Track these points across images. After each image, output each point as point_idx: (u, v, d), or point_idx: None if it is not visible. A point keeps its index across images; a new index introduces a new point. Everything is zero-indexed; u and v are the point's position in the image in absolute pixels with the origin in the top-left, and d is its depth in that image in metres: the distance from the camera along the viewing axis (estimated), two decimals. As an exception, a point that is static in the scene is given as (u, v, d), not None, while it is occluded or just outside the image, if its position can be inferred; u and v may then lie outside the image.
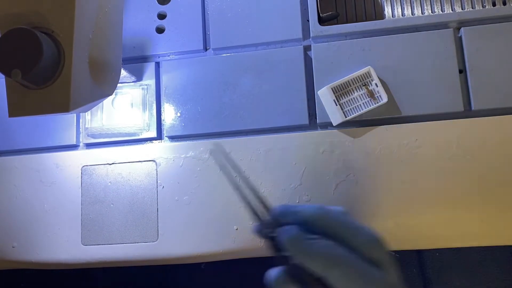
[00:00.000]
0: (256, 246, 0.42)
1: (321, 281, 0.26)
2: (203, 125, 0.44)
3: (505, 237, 0.39)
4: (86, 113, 0.46)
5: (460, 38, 0.42)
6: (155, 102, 0.45)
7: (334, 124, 0.42)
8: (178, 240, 0.43)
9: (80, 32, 0.34)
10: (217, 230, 0.42)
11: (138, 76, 0.46)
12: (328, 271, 0.26)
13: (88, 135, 0.46)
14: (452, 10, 0.45)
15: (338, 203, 0.41)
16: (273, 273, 0.28)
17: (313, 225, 0.28)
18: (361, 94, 0.41)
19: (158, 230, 0.43)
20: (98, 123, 0.46)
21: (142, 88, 0.46)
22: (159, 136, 0.46)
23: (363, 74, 0.41)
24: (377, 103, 0.41)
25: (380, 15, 0.46)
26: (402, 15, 0.46)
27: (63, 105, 0.33)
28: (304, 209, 0.29)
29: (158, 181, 0.44)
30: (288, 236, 0.27)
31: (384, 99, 0.40)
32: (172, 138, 0.45)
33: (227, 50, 0.46)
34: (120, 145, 0.46)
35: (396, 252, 0.60)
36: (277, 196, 0.42)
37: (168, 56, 0.47)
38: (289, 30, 0.45)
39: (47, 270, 0.50)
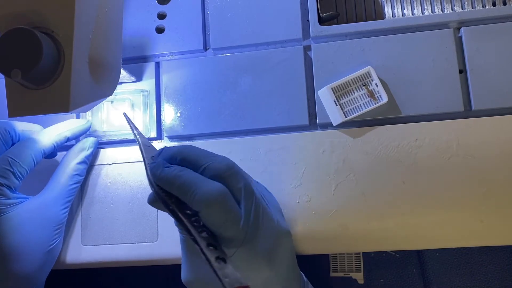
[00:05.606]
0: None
1: (178, 199, 0.31)
2: (203, 125, 0.44)
3: (505, 237, 0.39)
4: (87, 119, 0.46)
5: (460, 38, 0.42)
6: (155, 102, 0.45)
7: (334, 124, 0.42)
8: (178, 240, 0.43)
9: (80, 32, 0.34)
10: (217, 230, 0.42)
11: (138, 76, 0.46)
12: (174, 190, 0.31)
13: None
14: (452, 10, 0.45)
15: (338, 203, 0.41)
16: (149, 196, 0.34)
17: (177, 159, 0.33)
18: (361, 94, 0.41)
19: (158, 230, 0.43)
20: (98, 128, 0.46)
21: (143, 95, 0.46)
22: (159, 136, 0.46)
23: (363, 74, 0.41)
24: (377, 103, 0.41)
25: (380, 15, 0.46)
26: (402, 15, 0.46)
27: (63, 105, 0.33)
28: (171, 147, 0.34)
29: (158, 181, 0.44)
30: (151, 167, 0.33)
31: (384, 99, 0.40)
32: (172, 138, 0.45)
33: (227, 50, 0.46)
34: (120, 145, 0.46)
35: (396, 252, 0.60)
36: (277, 196, 0.42)
37: (168, 56, 0.47)
38: (289, 30, 0.45)
39: (47, 270, 0.50)
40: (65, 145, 0.44)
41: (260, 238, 0.32)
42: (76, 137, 0.44)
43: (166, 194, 0.32)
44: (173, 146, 0.35)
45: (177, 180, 0.31)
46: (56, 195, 0.41)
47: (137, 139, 0.38)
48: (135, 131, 0.39)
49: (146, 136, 0.45)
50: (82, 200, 0.45)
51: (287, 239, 0.35)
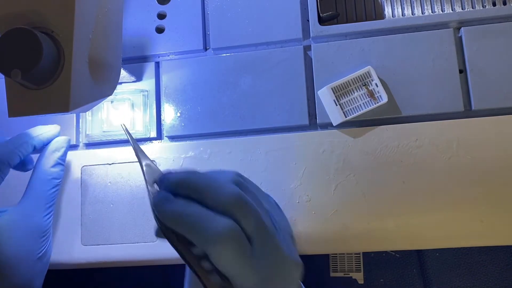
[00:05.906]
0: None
1: (183, 237, 0.28)
2: (203, 125, 0.44)
3: (505, 237, 0.39)
4: (87, 118, 0.46)
5: (460, 38, 0.42)
6: (155, 102, 0.45)
7: (334, 124, 0.42)
8: (178, 240, 0.43)
9: (80, 32, 0.34)
10: (217, 230, 0.42)
11: (138, 76, 0.46)
12: (180, 229, 0.28)
13: (88, 141, 0.46)
14: (452, 10, 0.45)
15: (338, 203, 0.41)
16: (155, 228, 0.31)
17: (181, 188, 0.29)
18: (361, 94, 0.41)
19: (158, 230, 0.43)
20: (98, 129, 0.46)
21: (143, 95, 0.46)
22: (159, 136, 0.46)
23: (363, 74, 0.41)
24: (377, 103, 0.41)
25: (380, 15, 0.46)
26: (402, 15, 0.46)
27: (63, 105, 0.33)
28: (174, 175, 0.31)
29: (158, 181, 0.44)
30: (154, 202, 0.29)
31: (384, 99, 0.40)
32: (172, 138, 0.45)
33: (227, 50, 0.46)
34: (120, 145, 0.46)
35: (396, 252, 0.60)
36: (277, 196, 0.42)
37: (168, 56, 0.47)
38: (289, 30, 0.45)
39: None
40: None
41: (275, 278, 0.29)
42: (45, 144, 0.42)
43: (172, 231, 0.29)
44: (177, 173, 0.31)
45: (182, 219, 0.28)
46: (35, 204, 0.39)
47: (137, 157, 0.34)
48: (134, 145, 0.35)
49: (146, 137, 0.45)
50: (82, 200, 0.45)
51: (298, 273, 0.31)
